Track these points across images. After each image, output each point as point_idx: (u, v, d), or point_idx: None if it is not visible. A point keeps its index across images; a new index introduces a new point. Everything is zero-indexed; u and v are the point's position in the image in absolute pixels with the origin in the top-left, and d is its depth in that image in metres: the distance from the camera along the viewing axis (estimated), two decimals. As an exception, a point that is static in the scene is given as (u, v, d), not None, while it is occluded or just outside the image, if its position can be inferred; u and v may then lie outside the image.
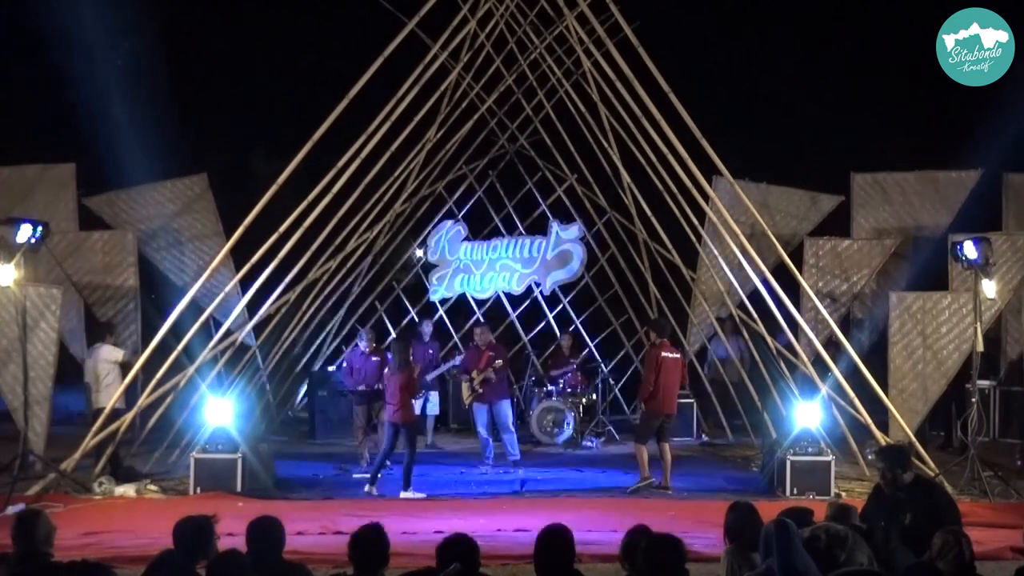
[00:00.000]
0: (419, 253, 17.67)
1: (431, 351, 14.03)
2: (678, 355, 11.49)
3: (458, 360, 13.56)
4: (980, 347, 11.27)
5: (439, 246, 16.90)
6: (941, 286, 13.01)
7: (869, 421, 11.43)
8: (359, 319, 17.10)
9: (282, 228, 12.22)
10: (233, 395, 12.33)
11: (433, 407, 14.19)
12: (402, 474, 10.95)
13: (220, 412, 11.14)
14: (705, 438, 15.09)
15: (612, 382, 15.92)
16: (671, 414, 11.45)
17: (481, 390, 12.57)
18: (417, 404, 12.96)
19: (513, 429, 12.79)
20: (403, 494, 10.78)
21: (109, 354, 12.05)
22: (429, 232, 17.17)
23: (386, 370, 11.36)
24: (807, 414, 11.13)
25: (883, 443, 10.88)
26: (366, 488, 10.89)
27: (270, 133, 18.04)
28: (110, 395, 11.73)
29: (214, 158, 15.71)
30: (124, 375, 11.94)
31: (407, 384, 10.95)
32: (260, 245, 12.17)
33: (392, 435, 11.09)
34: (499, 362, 12.54)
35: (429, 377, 13.50)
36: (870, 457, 11.45)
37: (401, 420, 10.97)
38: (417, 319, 16.90)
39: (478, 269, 16.82)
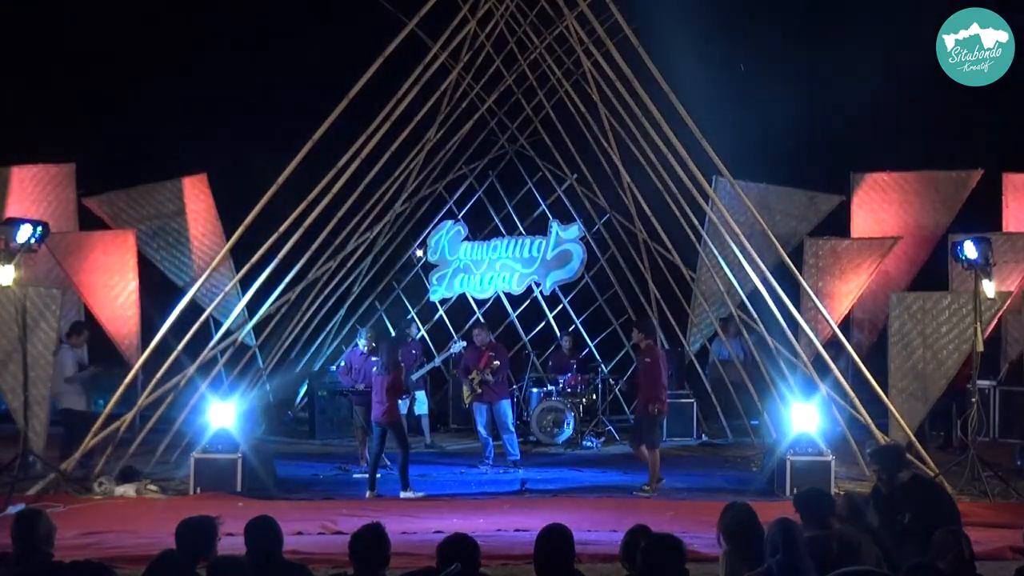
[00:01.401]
0: (419, 253, 17.67)
1: (415, 351, 14.09)
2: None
3: (455, 348, 13.70)
4: (980, 347, 11.27)
5: (439, 246, 16.90)
6: (941, 286, 13.00)
7: (869, 421, 11.43)
8: (359, 319, 17.11)
9: (282, 228, 12.22)
10: (234, 396, 12.33)
11: (421, 406, 14.21)
12: (399, 475, 10.97)
13: (222, 414, 11.17)
14: (705, 438, 15.09)
15: (612, 382, 15.93)
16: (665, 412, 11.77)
17: (480, 390, 12.58)
18: (404, 404, 12.98)
19: (513, 429, 12.81)
20: (403, 494, 10.79)
21: (63, 360, 11.96)
22: (429, 232, 17.17)
23: (374, 370, 11.39)
24: (804, 416, 11.15)
25: (882, 442, 10.89)
26: (367, 494, 10.88)
27: (270, 133, 18.01)
28: (69, 399, 11.80)
29: (214, 158, 15.67)
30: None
31: (393, 385, 10.97)
32: (260, 245, 12.17)
33: (379, 435, 11.11)
34: (496, 363, 12.55)
35: (414, 377, 13.56)
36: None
37: (385, 420, 11.00)
38: (417, 319, 16.93)
39: (478, 269, 16.82)
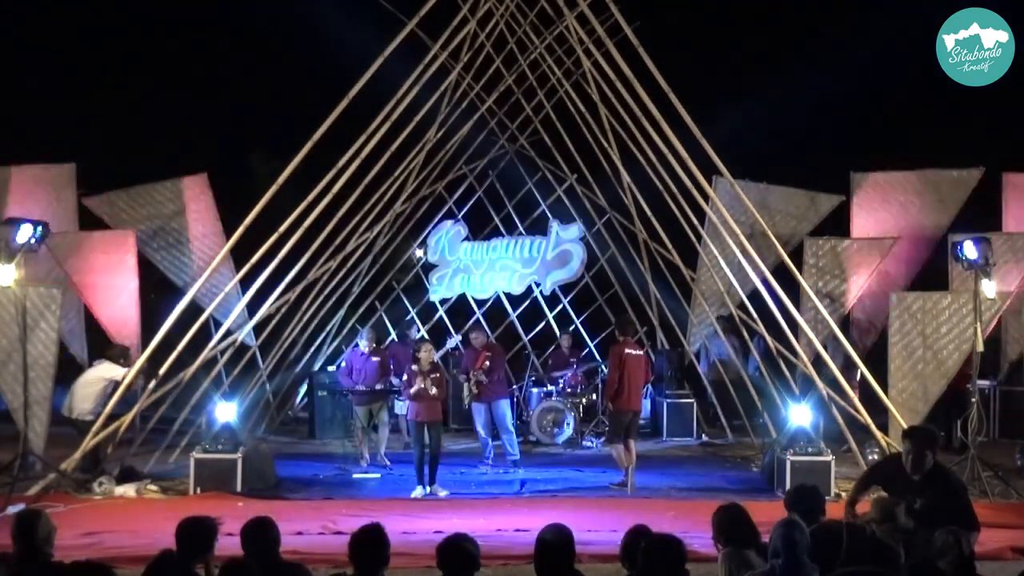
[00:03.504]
0: (419, 253, 17.66)
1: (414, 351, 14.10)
2: (641, 352, 11.87)
3: (450, 344, 13.72)
4: (980, 347, 11.27)
5: (439, 246, 16.88)
6: (941, 286, 13.01)
7: (869, 421, 11.43)
8: (359, 319, 17.10)
9: (282, 228, 12.24)
10: (235, 396, 12.35)
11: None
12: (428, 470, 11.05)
13: (225, 412, 11.20)
14: (705, 438, 15.09)
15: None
16: (638, 411, 11.83)
17: (476, 390, 12.60)
18: (404, 405, 12.99)
19: (512, 429, 12.81)
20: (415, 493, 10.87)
21: (107, 371, 11.93)
22: (429, 232, 17.15)
23: None
24: (800, 415, 11.17)
25: (882, 443, 10.89)
26: (428, 490, 10.91)
27: (270, 133, 18.04)
28: (88, 408, 11.72)
29: (214, 158, 15.68)
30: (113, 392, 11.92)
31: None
32: (260, 245, 12.18)
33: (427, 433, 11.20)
34: (487, 363, 12.56)
35: None
36: (870, 457, 11.45)
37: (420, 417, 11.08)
38: (417, 319, 16.92)
39: (478, 269, 16.79)
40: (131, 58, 20.03)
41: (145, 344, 12.35)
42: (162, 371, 11.80)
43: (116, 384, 11.88)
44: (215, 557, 5.46)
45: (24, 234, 10.58)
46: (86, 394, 11.80)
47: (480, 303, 17.26)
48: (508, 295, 17.23)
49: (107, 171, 15.34)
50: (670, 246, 15.37)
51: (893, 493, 6.83)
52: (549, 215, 17.12)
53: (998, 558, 7.93)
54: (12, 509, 9.03)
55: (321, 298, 15.85)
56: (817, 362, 12.16)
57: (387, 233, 16.72)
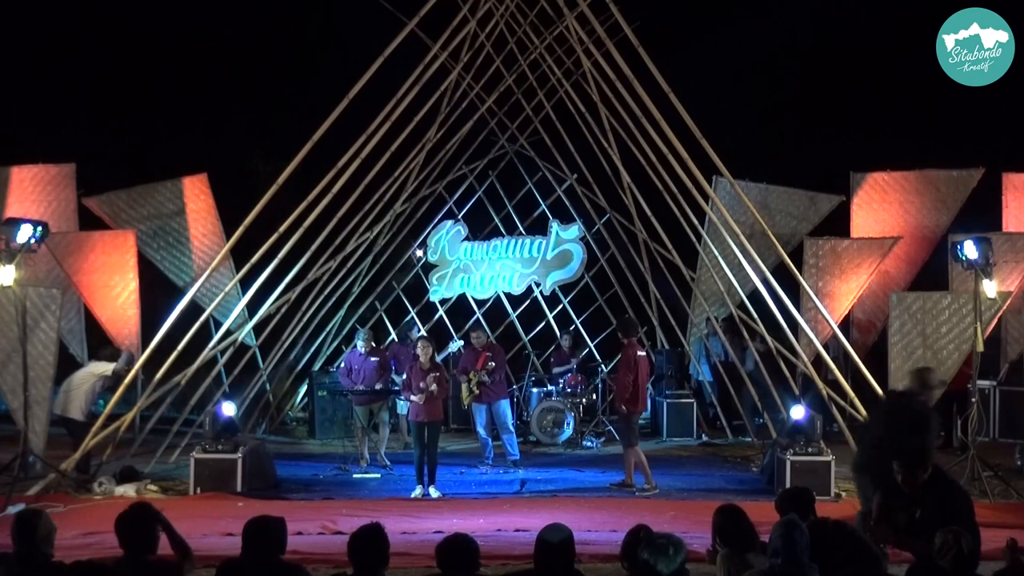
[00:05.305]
0: (419, 253, 17.65)
1: (414, 351, 14.10)
2: (644, 353, 11.87)
3: (452, 347, 13.73)
4: (980, 347, 11.27)
5: (439, 246, 16.86)
6: (941, 286, 13.01)
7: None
8: (359, 319, 17.10)
9: (282, 228, 12.24)
10: (235, 396, 12.36)
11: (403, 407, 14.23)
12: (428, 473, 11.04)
13: (227, 411, 11.23)
14: (705, 438, 15.09)
15: (612, 382, 15.90)
16: (644, 411, 12.04)
17: (478, 391, 12.60)
18: (404, 405, 13.02)
19: (512, 429, 12.82)
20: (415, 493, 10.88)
21: (96, 367, 12.02)
22: (429, 232, 17.14)
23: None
24: (798, 413, 11.20)
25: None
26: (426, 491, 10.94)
27: (270, 133, 18.03)
28: (76, 406, 11.76)
29: (214, 158, 15.67)
30: (115, 388, 11.94)
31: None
32: (260, 245, 12.18)
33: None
34: (492, 364, 12.56)
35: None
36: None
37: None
38: (417, 319, 16.91)
39: (478, 269, 16.79)
40: (131, 58, 20.01)
41: (145, 344, 12.35)
42: (162, 371, 11.80)
43: (105, 379, 11.92)
44: (212, 556, 5.45)
45: (24, 234, 10.58)
46: (77, 393, 11.84)
47: (480, 303, 17.25)
48: (508, 295, 17.22)
49: (107, 171, 15.34)
50: (670, 246, 15.38)
51: (896, 506, 6.76)
52: (549, 215, 17.11)
53: (998, 558, 7.91)
54: (12, 509, 9.03)
55: (321, 298, 15.86)
56: (816, 362, 12.17)
57: (387, 233, 16.72)
